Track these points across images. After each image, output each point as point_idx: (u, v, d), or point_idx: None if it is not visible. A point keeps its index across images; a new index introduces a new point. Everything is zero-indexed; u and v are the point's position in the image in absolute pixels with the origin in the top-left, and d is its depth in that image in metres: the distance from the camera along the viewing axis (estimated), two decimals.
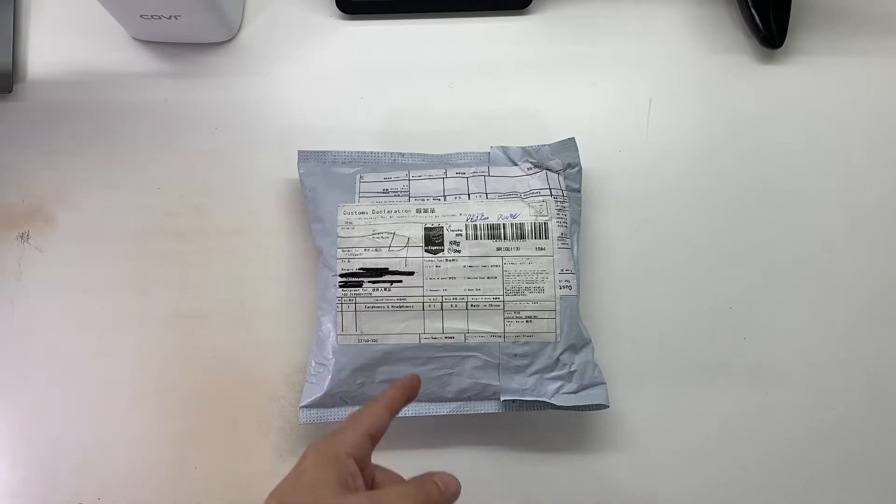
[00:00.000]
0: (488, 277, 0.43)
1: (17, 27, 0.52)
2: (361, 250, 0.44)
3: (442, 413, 0.44)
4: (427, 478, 0.34)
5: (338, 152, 0.47)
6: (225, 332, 0.48)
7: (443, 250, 0.43)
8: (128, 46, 0.52)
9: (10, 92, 0.51)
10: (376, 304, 0.43)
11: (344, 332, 0.43)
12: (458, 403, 0.44)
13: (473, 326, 0.43)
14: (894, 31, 0.53)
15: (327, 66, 0.52)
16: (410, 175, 0.46)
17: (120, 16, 0.49)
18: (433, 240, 0.44)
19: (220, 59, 0.52)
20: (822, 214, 0.50)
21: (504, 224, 0.44)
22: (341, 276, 0.43)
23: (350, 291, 0.43)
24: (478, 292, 0.43)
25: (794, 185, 0.51)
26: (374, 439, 0.35)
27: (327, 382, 0.43)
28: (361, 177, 0.46)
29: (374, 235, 0.44)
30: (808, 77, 0.52)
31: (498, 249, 0.43)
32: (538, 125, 0.51)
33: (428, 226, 0.44)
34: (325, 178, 0.46)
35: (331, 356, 0.43)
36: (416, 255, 0.43)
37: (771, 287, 0.49)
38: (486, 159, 0.48)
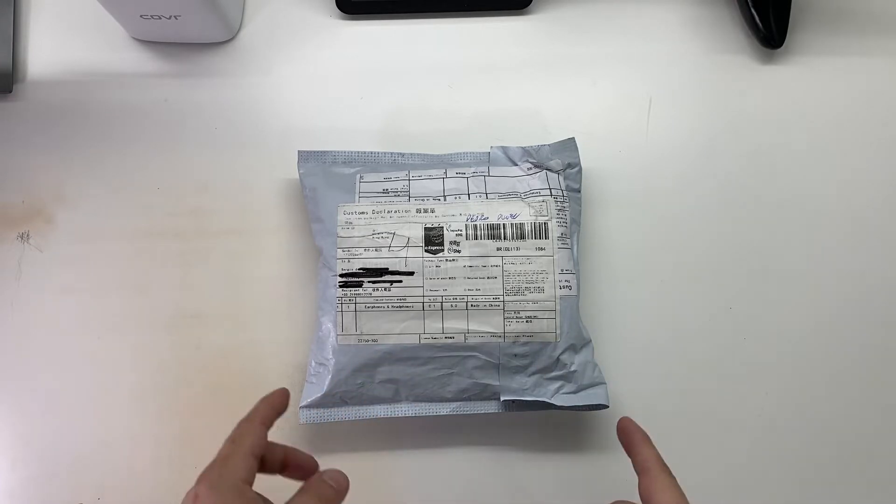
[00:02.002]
0: (488, 277, 0.43)
1: (17, 27, 0.52)
2: (361, 250, 0.44)
3: (442, 413, 0.44)
4: (318, 480, 0.35)
5: (338, 152, 0.47)
6: (225, 332, 0.48)
7: (443, 250, 0.43)
8: (128, 46, 0.52)
9: (10, 92, 0.51)
10: (376, 305, 0.43)
11: (344, 332, 0.43)
12: (458, 403, 0.44)
13: (473, 326, 0.43)
14: (894, 31, 0.53)
15: (327, 66, 0.52)
16: (410, 175, 0.46)
17: (120, 16, 0.49)
18: (433, 240, 0.44)
19: (220, 59, 0.52)
20: (822, 214, 0.50)
21: (504, 224, 0.44)
22: (341, 276, 0.43)
23: (350, 291, 0.43)
24: (478, 292, 0.43)
25: (795, 184, 0.51)
26: (258, 458, 0.34)
27: (327, 382, 0.43)
28: (361, 177, 0.46)
29: (374, 235, 0.44)
30: (808, 77, 0.52)
31: (498, 249, 0.43)
32: (538, 125, 0.51)
33: (428, 226, 0.44)
34: (325, 178, 0.46)
35: (331, 356, 0.43)
36: (416, 255, 0.43)
37: (771, 287, 0.49)
38: (486, 159, 0.48)
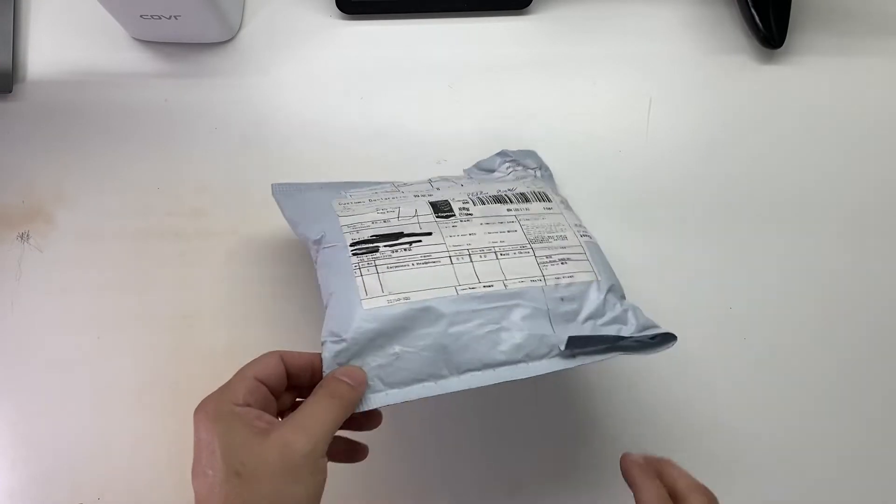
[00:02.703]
0: (508, 231, 0.40)
1: (17, 27, 0.52)
2: (369, 223, 0.39)
3: (500, 380, 0.36)
4: (330, 378, 0.33)
5: (312, 182, 0.44)
6: (224, 331, 0.48)
7: (454, 215, 0.40)
8: (128, 46, 0.52)
9: (10, 92, 0.51)
10: (399, 264, 0.37)
11: (369, 296, 0.35)
12: (514, 367, 0.36)
13: (509, 272, 0.38)
14: (894, 31, 0.53)
15: (327, 66, 0.52)
16: (395, 185, 0.44)
17: (120, 16, 0.49)
18: (441, 208, 0.40)
19: (220, 59, 0.52)
20: (821, 214, 0.50)
21: (505, 194, 0.42)
22: (352, 244, 0.38)
23: (366, 257, 0.37)
24: (503, 243, 0.39)
25: (794, 184, 0.51)
26: (267, 382, 0.33)
27: (351, 359, 0.35)
28: (346, 191, 0.43)
29: (378, 212, 0.40)
30: (808, 77, 0.52)
31: (508, 210, 0.41)
32: (538, 125, 0.51)
33: (432, 200, 0.41)
34: (305, 200, 0.42)
35: (355, 325, 0.35)
36: (428, 220, 0.39)
37: (771, 287, 0.49)
38: (463, 177, 0.47)
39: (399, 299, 0.35)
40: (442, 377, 0.36)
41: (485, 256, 0.38)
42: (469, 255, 0.38)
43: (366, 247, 0.37)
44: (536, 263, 0.39)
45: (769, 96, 0.52)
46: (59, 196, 0.50)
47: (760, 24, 0.51)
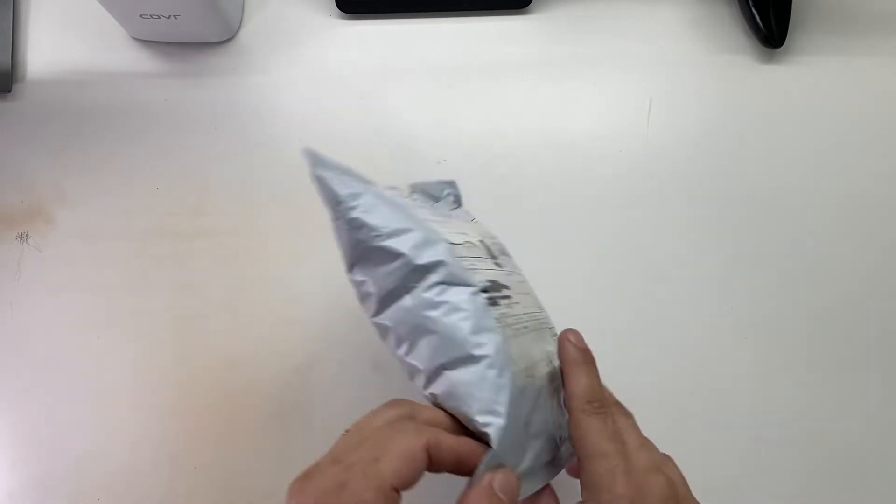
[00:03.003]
0: (527, 294, 0.35)
1: (16, 27, 0.52)
2: (465, 255, 0.31)
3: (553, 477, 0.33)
4: (485, 492, 0.25)
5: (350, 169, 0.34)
6: (225, 332, 0.48)
7: (501, 264, 0.34)
8: (128, 46, 0.52)
9: (10, 92, 0.51)
10: (517, 324, 0.31)
11: (517, 368, 0.29)
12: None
13: (551, 349, 0.34)
14: (894, 31, 0.53)
15: (327, 66, 0.52)
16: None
17: (120, 16, 0.49)
18: (491, 250, 0.34)
19: (220, 59, 0.52)
20: (822, 214, 0.50)
21: (491, 244, 0.36)
22: (483, 291, 0.30)
23: (497, 311, 0.30)
24: (536, 311, 0.34)
25: (795, 184, 0.51)
26: (405, 489, 0.24)
27: (510, 458, 0.28)
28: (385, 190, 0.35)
29: (466, 244, 0.32)
30: (808, 77, 0.52)
31: (513, 265, 0.37)
32: (538, 125, 0.51)
33: (480, 237, 0.34)
34: (384, 199, 0.31)
35: (514, 409, 0.28)
36: (491, 268, 0.33)
37: (771, 287, 0.49)
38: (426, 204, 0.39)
39: (531, 375, 0.29)
40: (545, 471, 0.30)
41: (542, 325, 0.33)
42: (539, 321, 0.33)
43: (492, 296, 0.30)
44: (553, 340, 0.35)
45: (769, 96, 0.52)
46: (58, 196, 0.50)
47: (761, 24, 0.51)
